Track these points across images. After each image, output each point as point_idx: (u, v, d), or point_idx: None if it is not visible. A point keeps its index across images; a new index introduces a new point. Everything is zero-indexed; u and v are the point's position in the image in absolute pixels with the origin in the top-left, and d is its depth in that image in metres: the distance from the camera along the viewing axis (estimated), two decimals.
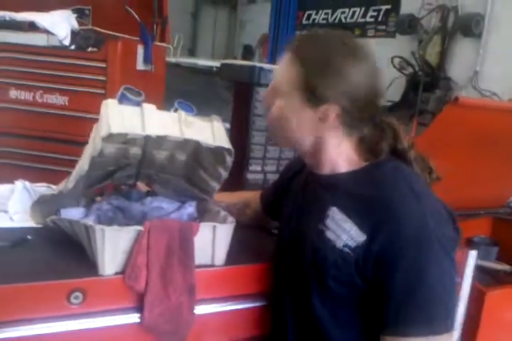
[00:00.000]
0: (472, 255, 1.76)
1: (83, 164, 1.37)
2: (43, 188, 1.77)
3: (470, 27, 5.89)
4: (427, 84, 6.11)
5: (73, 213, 1.49)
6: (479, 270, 1.87)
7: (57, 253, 1.37)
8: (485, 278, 2.00)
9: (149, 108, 1.42)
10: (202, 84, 5.23)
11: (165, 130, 1.36)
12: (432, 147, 2.43)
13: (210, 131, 1.47)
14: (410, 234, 1.09)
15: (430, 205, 1.16)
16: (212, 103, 4.88)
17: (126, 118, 1.35)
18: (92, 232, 1.27)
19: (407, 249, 1.09)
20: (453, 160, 2.34)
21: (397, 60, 6.50)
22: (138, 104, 1.49)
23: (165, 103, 3.58)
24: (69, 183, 1.42)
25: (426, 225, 1.10)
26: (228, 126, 3.52)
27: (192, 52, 10.53)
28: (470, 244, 2.26)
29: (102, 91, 2.99)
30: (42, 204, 1.53)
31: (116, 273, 1.27)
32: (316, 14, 9.08)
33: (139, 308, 1.26)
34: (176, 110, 1.60)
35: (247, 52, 10.13)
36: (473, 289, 1.75)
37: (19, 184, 1.69)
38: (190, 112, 1.62)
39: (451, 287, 1.14)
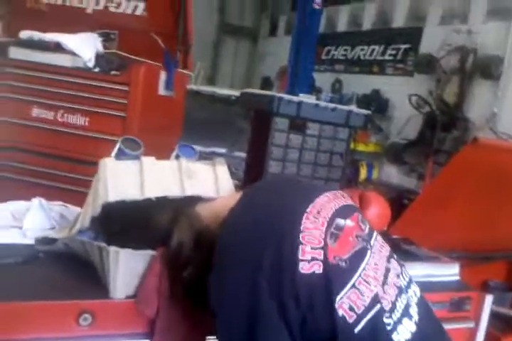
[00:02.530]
0: (488, 299, 1.72)
1: (84, 221, 1.37)
2: (58, 207, 1.77)
3: (489, 69, 5.92)
4: (444, 123, 6.10)
5: (84, 235, 1.48)
6: (493, 315, 1.83)
7: (69, 273, 1.36)
8: (499, 324, 1.95)
9: (148, 163, 1.41)
10: (220, 113, 5.28)
11: (164, 190, 1.37)
12: (448, 187, 2.42)
13: (213, 180, 1.46)
14: None
15: None
16: (229, 131, 4.92)
17: (123, 182, 1.35)
18: (105, 254, 1.25)
19: None
20: (469, 201, 2.32)
21: (414, 99, 6.52)
22: (136, 157, 1.47)
23: (184, 131, 3.62)
24: (73, 232, 1.42)
25: None
26: (244, 155, 3.54)
27: (212, 82, 10.65)
28: (486, 288, 2.21)
29: (123, 114, 3.02)
30: None
31: (128, 297, 1.26)
32: (336, 50, 9.19)
33: (149, 334, 1.24)
34: (177, 156, 1.57)
35: (266, 84, 10.23)
36: (488, 335, 1.71)
37: (35, 201, 1.69)
38: (192, 156, 1.59)
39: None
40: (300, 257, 1.03)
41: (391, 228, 2.22)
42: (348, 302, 1.03)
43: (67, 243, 1.44)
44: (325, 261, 1.05)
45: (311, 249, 1.05)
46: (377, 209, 2.05)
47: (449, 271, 1.85)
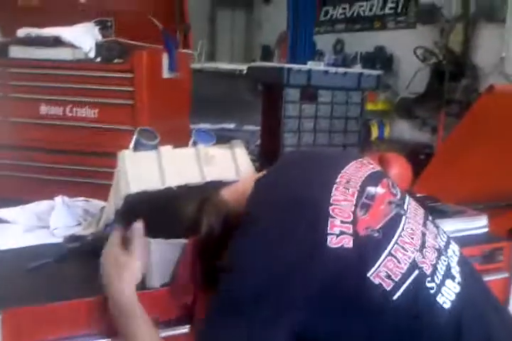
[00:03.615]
0: None
1: (109, 213, 1.39)
2: (81, 202, 1.78)
3: (493, 12, 5.77)
4: (453, 73, 5.98)
5: (111, 228, 1.49)
6: None
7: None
8: None
9: (166, 152, 1.43)
10: (224, 88, 5.23)
11: (184, 177, 1.38)
12: (467, 139, 2.38)
13: (233, 163, 1.46)
14: None
15: None
16: (235, 106, 4.90)
17: (143, 173, 1.38)
18: None
19: None
20: (490, 151, 2.29)
21: (419, 51, 6.41)
22: (154, 147, 1.48)
23: (191, 110, 3.61)
24: (99, 226, 1.44)
25: None
26: (254, 128, 3.52)
27: (212, 57, 10.55)
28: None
29: (131, 102, 3.02)
30: None
31: (162, 285, 1.27)
32: (334, 9, 9.00)
33: (188, 319, 1.26)
34: (194, 143, 1.57)
35: (266, 53, 10.09)
36: None
37: (58, 200, 1.70)
38: (210, 141, 1.58)
39: None
40: (329, 231, 1.02)
41: (413, 186, 2.21)
42: (384, 271, 1.01)
43: (95, 238, 1.46)
44: (355, 235, 1.03)
45: (341, 222, 1.03)
46: (398, 170, 2.04)
47: (478, 224, 1.84)
